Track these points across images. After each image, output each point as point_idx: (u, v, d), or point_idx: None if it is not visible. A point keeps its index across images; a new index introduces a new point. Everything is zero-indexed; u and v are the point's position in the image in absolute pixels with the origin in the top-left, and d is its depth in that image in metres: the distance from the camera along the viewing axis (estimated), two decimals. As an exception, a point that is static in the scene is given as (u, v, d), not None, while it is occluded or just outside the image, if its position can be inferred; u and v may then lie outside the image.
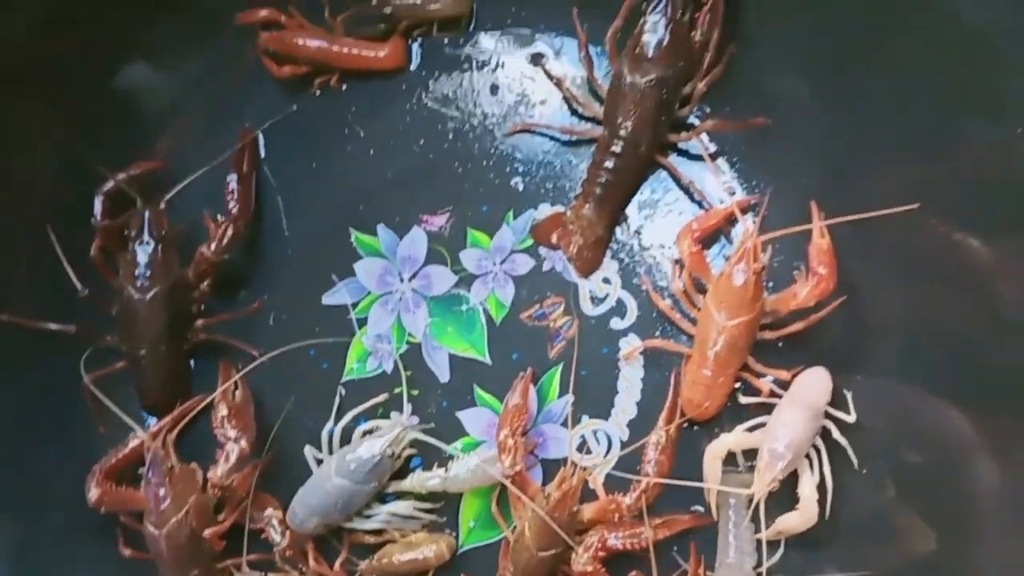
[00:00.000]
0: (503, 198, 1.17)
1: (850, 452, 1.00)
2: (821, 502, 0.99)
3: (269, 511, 1.12)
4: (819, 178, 1.08)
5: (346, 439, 1.12)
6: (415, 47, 1.22)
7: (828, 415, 1.01)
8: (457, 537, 1.11)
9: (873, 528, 1.02)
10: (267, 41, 1.20)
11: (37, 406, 1.16)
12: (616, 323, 1.12)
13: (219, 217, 1.16)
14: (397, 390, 1.14)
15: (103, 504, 1.10)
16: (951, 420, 0.99)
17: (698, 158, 1.13)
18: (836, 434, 1.00)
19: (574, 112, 1.17)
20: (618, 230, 1.14)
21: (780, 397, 1.02)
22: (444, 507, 1.11)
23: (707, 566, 1.06)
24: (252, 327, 1.18)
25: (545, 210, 1.16)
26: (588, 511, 1.04)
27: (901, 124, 1.01)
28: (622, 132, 1.08)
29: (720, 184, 1.12)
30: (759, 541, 1.01)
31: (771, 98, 1.09)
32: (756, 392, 1.04)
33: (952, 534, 0.97)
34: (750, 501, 1.00)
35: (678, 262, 1.09)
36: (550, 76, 1.17)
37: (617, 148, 1.09)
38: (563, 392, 1.11)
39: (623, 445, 1.09)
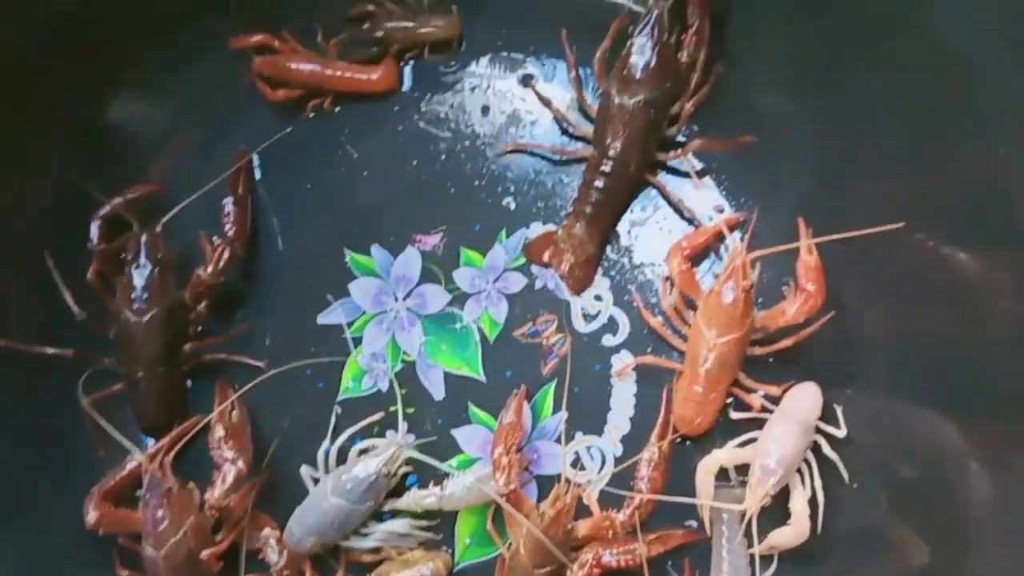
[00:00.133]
0: (495, 217, 1.18)
1: (840, 467, 1.01)
2: (813, 517, 1.00)
3: (266, 531, 1.12)
4: (806, 194, 1.10)
5: (342, 458, 1.12)
6: (407, 69, 1.23)
7: (819, 430, 1.01)
8: (453, 554, 1.12)
9: (866, 542, 1.02)
10: (261, 65, 1.21)
11: (35, 429, 1.17)
12: (608, 340, 1.14)
13: (215, 239, 1.17)
14: (392, 408, 1.15)
15: (101, 526, 1.10)
16: (942, 432, 0.99)
17: (687, 176, 1.14)
18: (827, 449, 1.01)
19: (564, 132, 1.18)
20: (609, 248, 1.15)
21: (771, 412, 1.03)
22: (440, 524, 1.12)
23: (702, 581, 1.06)
24: (248, 347, 1.19)
25: (537, 229, 1.17)
26: (583, 527, 1.05)
27: (886, 141, 1.03)
28: (611, 152, 1.10)
29: (709, 202, 1.13)
30: (752, 556, 1.01)
31: (757, 116, 1.11)
32: (747, 408, 1.05)
33: (945, 546, 0.98)
34: (743, 516, 1.00)
35: (668, 279, 1.10)
36: (540, 97, 1.19)
37: (607, 168, 1.10)
38: (557, 409, 1.12)
39: (617, 461, 1.10)
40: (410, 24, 1.21)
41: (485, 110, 1.21)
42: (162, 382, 1.16)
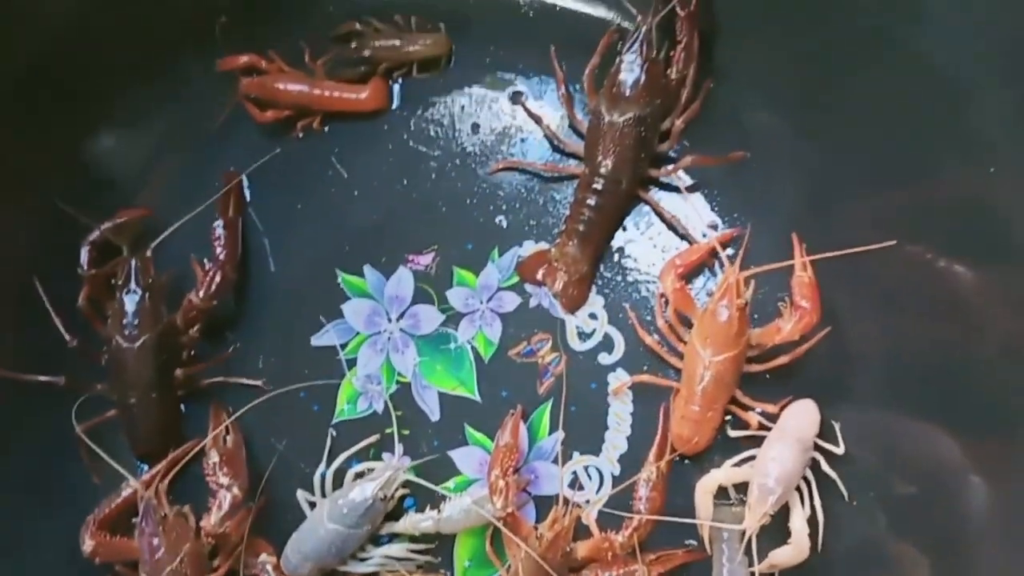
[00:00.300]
0: (488, 236, 1.17)
1: (839, 484, 1.01)
2: (813, 535, 1.00)
3: (263, 557, 1.12)
4: (798, 208, 1.10)
5: (338, 481, 1.12)
6: (395, 88, 1.22)
7: (817, 447, 1.01)
8: (452, 577, 1.11)
9: (866, 559, 1.02)
10: (248, 87, 1.21)
11: (29, 458, 1.16)
12: (604, 358, 1.13)
13: (206, 263, 1.16)
14: (388, 430, 1.14)
15: (98, 555, 1.09)
16: (939, 446, 0.99)
17: (679, 191, 1.14)
18: (825, 466, 1.01)
19: (555, 149, 1.18)
20: (603, 266, 1.15)
21: (769, 430, 1.03)
22: (439, 547, 1.11)
23: (702, 601, 1.06)
24: (241, 370, 1.18)
25: (530, 247, 1.17)
26: (582, 549, 1.04)
27: (875, 155, 1.03)
28: (602, 170, 1.09)
29: (701, 218, 1.12)
30: (752, 575, 1.01)
31: (748, 131, 1.11)
32: (745, 425, 1.05)
33: (945, 560, 0.98)
34: (743, 535, 1.00)
35: (663, 297, 1.09)
36: (530, 114, 1.18)
37: (598, 185, 1.10)
38: (553, 428, 1.12)
39: (615, 480, 1.10)
40: (398, 43, 1.20)
41: (475, 128, 1.20)
42: (155, 408, 1.15)
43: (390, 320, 1.18)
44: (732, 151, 1.11)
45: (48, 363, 1.14)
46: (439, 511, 1.08)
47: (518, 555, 1.03)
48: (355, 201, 1.21)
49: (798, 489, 1.01)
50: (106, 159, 1.22)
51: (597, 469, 1.11)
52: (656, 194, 1.14)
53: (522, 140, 1.19)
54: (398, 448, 1.13)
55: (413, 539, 1.11)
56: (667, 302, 1.08)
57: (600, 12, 1.18)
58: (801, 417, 1.02)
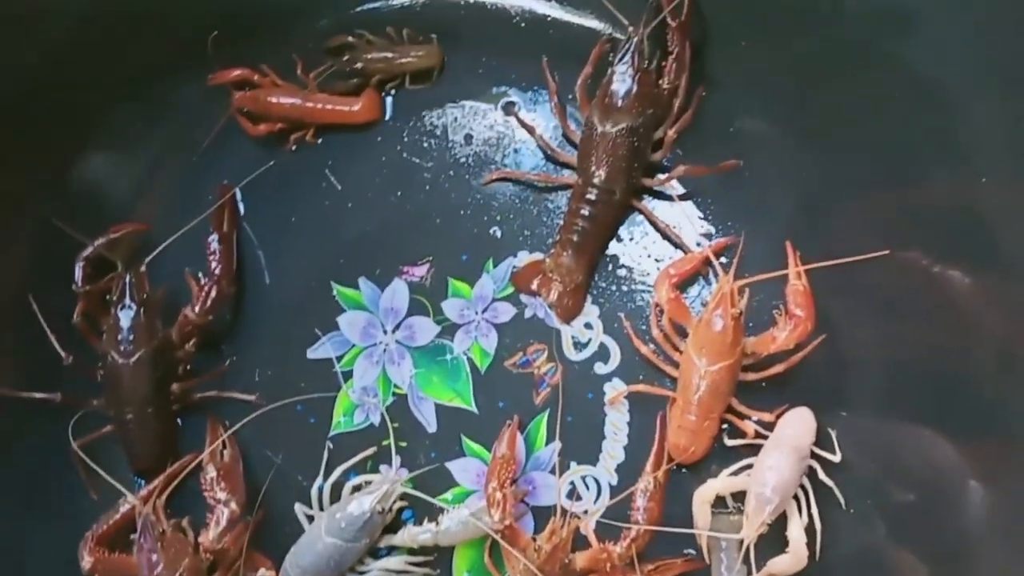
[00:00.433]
0: (482, 246, 1.17)
1: (837, 492, 1.01)
2: (811, 543, 1.00)
3: (262, 571, 1.11)
4: (791, 216, 1.10)
5: (336, 494, 1.11)
6: (388, 100, 1.23)
7: (814, 455, 1.01)
8: (451, 589, 1.11)
9: (865, 566, 1.02)
10: (241, 100, 1.21)
11: (26, 474, 1.16)
12: (600, 368, 1.13)
13: (201, 278, 1.16)
14: (385, 443, 1.14)
15: (97, 572, 1.09)
16: (936, 452, 0.99)
17: (672, 199, 1.14)
18: (822, 475, 1.01)
19: (549, 159, 1.18)
20: (597, 275, 1.15)
21: (765, 438, 1.03)
22: (438, 559, 1.11)
23: (701, 609, 1.06)
24: (237, 384, 1.18)
25: (524, 257, 1.17)
26: (580, 560, 1.04)
27: (868, 163, 1.03)
28: (596, 180, 1.10)
29: (695, 227, 1.13)
30: (751, 584, 1.01)
31: (740, 140, 1.12)
32: (741, 434, 1.05)
33: (944, 567, 0.98)
34: (741, 544, 1.00)
35: (657, 306, 1.09)
36: (523, 124, 1.19)
37: (592, 196, 1.10)
38: (550, 439, 1.12)
39: (612, 490, 1.10)
40: (390, 55, 1.20)
41: (468, 139, 1.20)
42: (152, 423, 1.15)
43: (386, 332, 1.18)
44: (725, 160, 1.11)
45: (44, 379, 1.14)
46: (437, 523, 1.08)
47: (517, 567, 1.03)
48: (349, 213, 1.21)
49: (795, 497, 1.01)
50: (99, 175, 1.22)
51: (595, 479, 1.11)
52: (650, 203, 1.15)
53: (515, 150, 1.19)
54: (395, 460, 1.13)
55: (412, 552, 1.10)
56: (662, 311, 1.08)
57: (591, 23, 1.19)
58: (797, 425, 1.02)
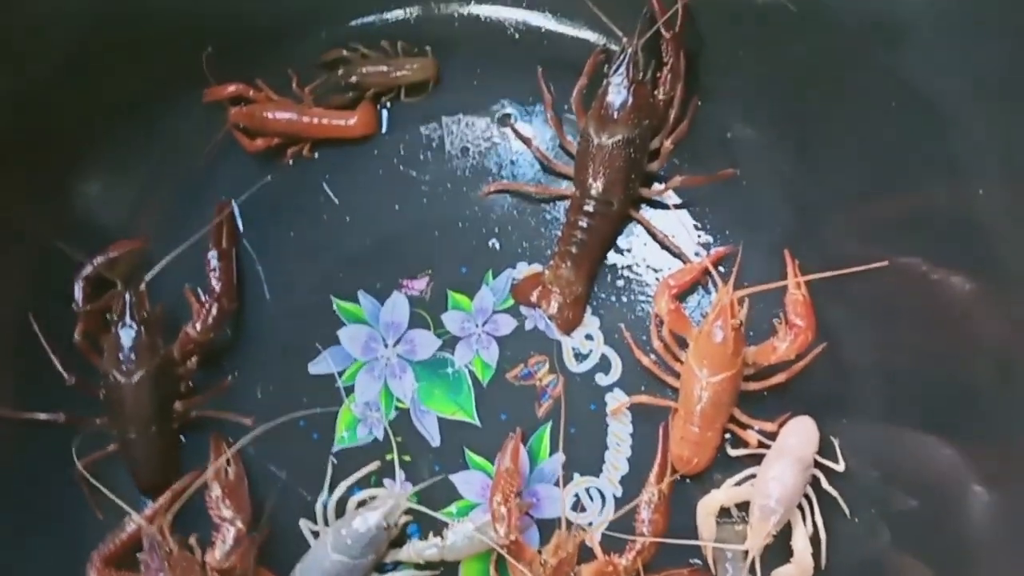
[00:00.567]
0: (481, 259, 1.17)
1: (841, 501, 1.01)
2: (816, 553, 1.00)
3: (269, 589, 1.12)
4: (790, 224, 1.11)
5: (341, 509, 1.12)
6: (384, 113, 1.22)
7: (817, 464, 1.01)
8: (458, 602, 1.11)
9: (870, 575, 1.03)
10: (237, 116, 1.21)
11: (30, 495, 1.16)
12: (601, 379, 1.13)
13: (202, 295, 1.16)
14: (389, 457, 1.14)
15: (103, 592, 1.10)
16: (938, 459, 1.00)
17: (668, 208, 1.15)
18: (825, 484, 1.01)
19: (545, 169, 1.18)
20: (597, 286, 1.15)
21: (768, 447, 1.03)
22: (443, 573, 1.11)
23: (707, 620, 1.07)
24: (239, 400, 1.18)
25: (523, 269, 1.17)
26: (586, 572, 1.04)
27: (864, 170, 1.04)
28: (593, 192, 1.10)
29: (693, 236, 1.13)
30: (757, 594, 1.02)
31: (737, 148, 1.12)
32: (744, 444, 1.05)
33: (949, 573, 0.98)
34: (746, 554, 1.00)
35: (657, 316, 1.09)
36: (519, 136, 1.18)
37: (590, 207, 1.10)
38: (553, 451, 1.12)
39: (616, 501, 1.10)
40: (385, 68, 1.20)
41: (465, 151, 1.20)
42: (155, 442, 1.14)
43: (387, 346, 1.18)
44: (721, 169, 1.11)
45: (47, 400, 1.14)
46: (443, 538, 1.08)
47: (522, 580, 1.04)
48: (347, 227, 1.20)
49: (799, 507, 1.01)
50: (97, 194, 1.21)
51: (599, 490, 1.11)
52: (647, 213, 1.15)
53: (512, 162, 1.19)
54: (399, 475, 1.13)
55: (418, 567, 1.11)
56: (662, 322, 1.08)
57: (586, 34, 1.19)
58: (800, 435, 1.02)
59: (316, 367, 1.18)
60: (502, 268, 1.17)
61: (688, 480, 1.08)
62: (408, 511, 1.10)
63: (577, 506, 1.11)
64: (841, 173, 1.05)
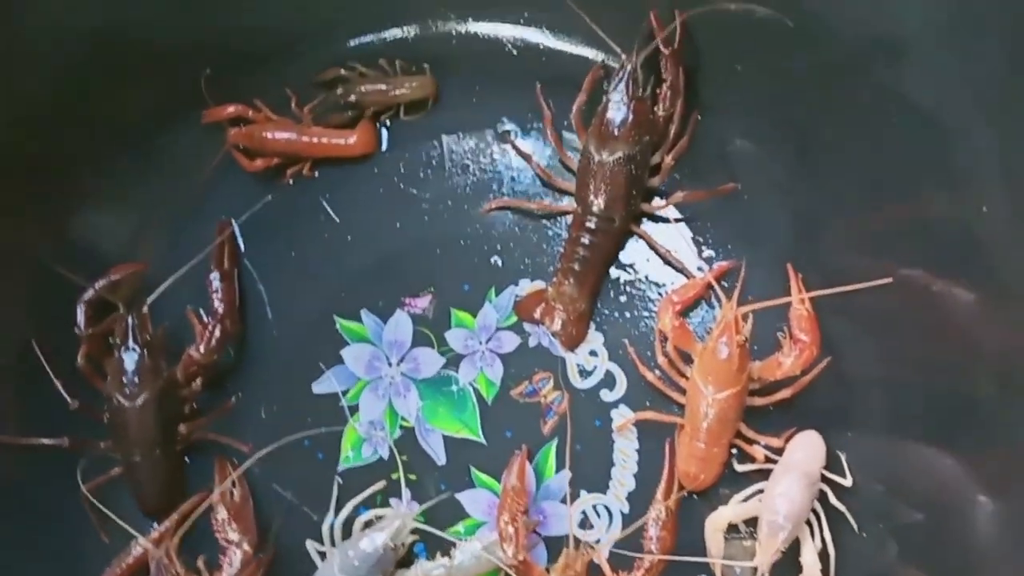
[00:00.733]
0: (483, 276, 1.17)
1: (848, 516, 1.01)
2: (825, 570, 1.00)
3: (277, 611, 1.12)
4: (792, 237, 1.11)
5: (347, 530, 1.12)
6: (383, 131, 1.22)
7: (824, 479, 1.01)
8: (466, 621, 1.11)
9: (879, 589, 1.03)
10: (236, 137, 1.21)
11: (36, 520, 1.15)
12: (606, 395, 1.13)
13: (205, 317, 1.16)
14: (395, 476, 1.14)
15: (111, 615, 1.09)
16: (943, 470, 0.99)
17: (669, 221, 1.15)
18: (833, 499, 1.01)
19: (546, 185, 1.18)
20: (600, 302, 1.15)
21: (775, 462, 1.03)
22: (451, 591, 1.11)
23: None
24: (243, 421, 1.18)
25: (526, 286, 1.17)
26: (594, 590, 1.05)
27: (864, 184, 1.04)
28: (595, 209, 1.10)
29: (695, 250, 1.13)
30: (767, 610, 1.01)
31: (738, 162, 1.12)
32: (751, 459, 1.05)
33: (957, 584, 0.98)
34: (755, 571, 1.00)
35: (661, 332, 1.09)
36: (519, 152, 1.18)
37: (591, 224, 1.10)
38: (560, 468, 1.12)
39: (624, 517, 1.10)
40: (383, 86, 1.20)
41: (465, 168, 1.20)
42: (160, 465, 1.14)
43: (390, 364, 1.18)
44: (722, 183, 1.12)
45: (51, 424, 1.14)
46: (450, 558, 1.08)
47: (531, 600, 1.04)
48: (349, 246, 1.20)
49: (808, 522, 1.01)
50: (97, 218, 1.21)
51: (606, 507, 1.11)
52: (649, 228, 1.15)
53: (512, 179, 1.19)
54: (405, 494, 1.13)
55: (425, 586, 1.11)
56: (666, 339, 1.08)
57: (584, 50, 1.18)
58: (807, 449, 1.02)
59: (320, 387, 1.18)
60: (505, 285, 1.17)
61: (695, 496, 1.08)
62: (415, 530, 1.10)
63: (584, 523, 1.11)
64: (842, 185, 1.05)
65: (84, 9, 1.10)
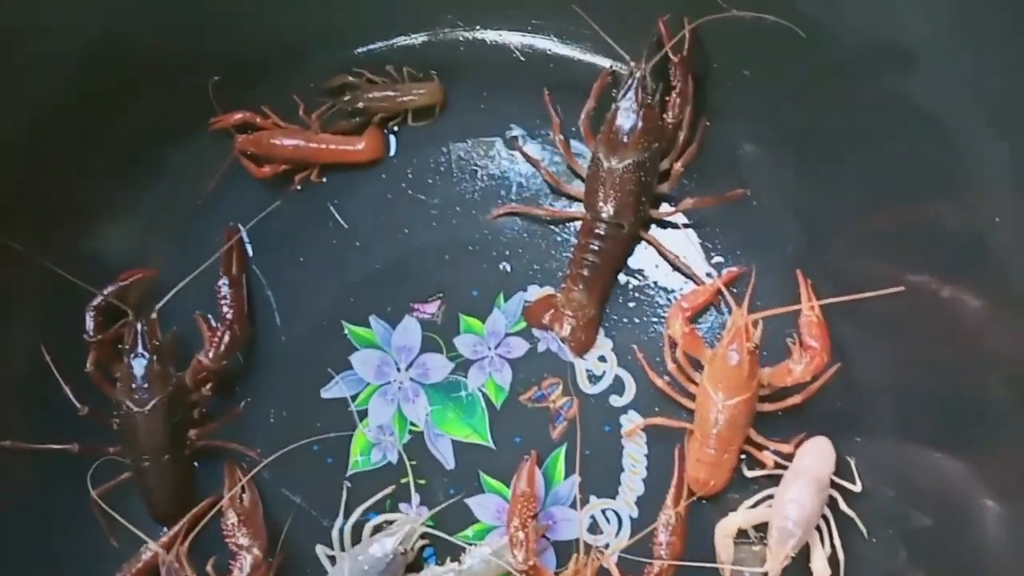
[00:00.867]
0: (492, 282, 1.18)
1: (858, 522, 1.02)
2: (835, 574, 1.00)
3: (287, 616, 1.12)
4: (801, 242, 1.11)
5: (357, 534, 1.12)
6: (391, 137, 1.23)
7: (834, 484, 1.02)
8: (476, 625, 1.12)
9: (888, 595, 1.03)
10: (244, 144, 1.21)
11: (46, 525, 1.16)
12: (615, 400, 1.14)
13: (214, 323, 1.16)
14: (404, 480, 1.14)
15: (121, 620, 1.10)
16: (953, 476, 1.00)
17: (678, 227, 1.15)
18: (843, 505, 1.01)
19: (555, 191, 1.18)
20: (609, 307, 1.15)
21: (785, 468, 1.03)
22: (461, 596, 1.12)
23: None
24: (252, 426, 1.18)
25: (535, 291, 1.17)
26: (605, 596, 1.05)
27: (873, 189, 1.04)
28: (604, 215, 1.10)
29: (704, 256, 1.13)
30: (776, 615, 1.02)
31: (746, 168, 1.13)
32: (760, 465, 1.05)
33: (966, 590, 0.99)
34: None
35: (671, 338, 1.10)
36: (528, 158, 1.19)
37: (600, 230, 1.11)
38: (569, 473, 1.12)
39: (633, 522, 1.10)
40: (391, 93, 1.20)
41: (473, 174, 1.21)
42: (169, 471, 1.15)
43: (399, 370, 1.18)
44: (730, 188, 1.12)
45: (61, 430, 1.14)
46: (460, 563, 1.08)
47: (542, 605, 1.04)
48: (357, 252, 1.21)
49: (817, 528, 1.01)
50: (106, 224, 1.21)
51: (615, 512, 1.11)
52: (658, 233, 1.15)
53: (521, 184, 1.20)
54: (415, 498, 1.13)
55: (435, 592, 1.11)
56: (675, 345, 1.09)
57: (591, 57, 1.19)
58: (817, 455, 1.02)
59: (329, 392, 1.18)
60: (513, 291, 1.17)
61: (704, 501, 1.08)
62: (424, 535, 1.11)
63: (594, 528, 1.11)
64: (850, 191, 1.06)
65: (90, 18, 1.10)
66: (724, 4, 1.01)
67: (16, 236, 1.12)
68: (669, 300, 1.14)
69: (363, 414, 1.17)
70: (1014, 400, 0.96)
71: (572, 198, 1.17)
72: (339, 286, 1.20)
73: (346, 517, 1.13)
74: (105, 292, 1.16)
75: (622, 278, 1.16)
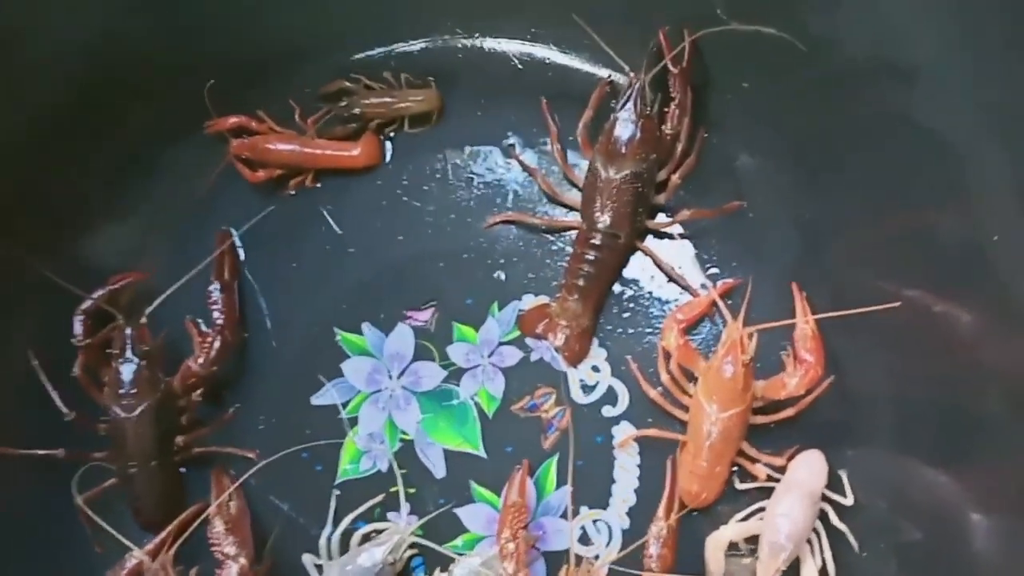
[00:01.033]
0: (486, 290, 1.17)
1: (849, 536, 1.01)
2: (825, 588, 1.00)
3: (273, 625, 1.11)
4: (797, 254, 1.12)
5: (345, 543, 1.11)
6: (387, 143, 1.22)
7: (825, 498, 1.01)
8: (464, 637, 1.11)
9: (879, 608, 1.03)
10: (239, 148, 1.20)
11: (29, 531, 1.14)
12: (608, 411, 1.13)
13: (204, 328, 1.16)
14: (393, 489, 1.13)
15: (104, 628, 1.08)
16: (947, 489, 1.00)
17: (674, 238, 1.15)
18: (834, 519, 1.01)
19: (551, 200, 1.18)
20: (603, 318, 1.15)
21: (777, 481, 1.03)
22: (450, 607, 1.11)
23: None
24: (242, 432, 1.17)
25: (529, 301, 1.17)
26: (595, 607, 1.04)
27: (870, 202, 1.05)
28: (600, 225, 1.10)
29: (700, 267, 1.13)
30: (767, 629, 1.01)
31: (743, 180, 1.13)
32: (752, 477, 1.05)
33: (957, 604, 0.98)
34: (756, 589, 1.01)
35: (665, 350, 1.09)
36: (524, 167, 1.18)
37: (597, 240, 1.10)
38: (560, 483, 1.11)
39: (624, 533, 1.10)
40: (388, 99, 1.20)
41: (469, 181, 1.20)
42: (157, 477, 1.13)
43: (391, 377, 1.17)
44: (727, 199, 1.12)
45: (46, 435, 1.13)
46: (449, 573, 1.07)
47: (531, 617, 1.03)
48: (351, 258, 1.20)
49: (809, 541, 1.01)
50: (98, 228, 1.20)
51: (606, 523, 1.11)
52: (654, 244, 1.15)
53: (516, 193, 1.19)
54: (404, 507, 1.12)
55: (424, 602, 1.10)
56: (669, 356, 1.08)
57: (589, 66, 1.19)
58: (809, 469, 1.02)
59: (319, 399, 1.17)
60: (508, 300, 1.17)
61: (696, 513, 1.08)
62: (413, 545, 1.10)
63: (584, 539, 1.10)
64: (848, 203, 1.06)
65: (90, 19, 1.10)
66: (724, 17, 1.01)
67: (15, 236, 1.11)
68: (664, 311, 1.14)
69: (353, 421, 1.16)
70: (1010, 414, 0.96)
71: (568, 207, 1.17)
72: (332, 292, 1.20)
73: (334, 526, 1.12)
74: (95, 296, 1.14)
75: (617, 288, 1.16)
